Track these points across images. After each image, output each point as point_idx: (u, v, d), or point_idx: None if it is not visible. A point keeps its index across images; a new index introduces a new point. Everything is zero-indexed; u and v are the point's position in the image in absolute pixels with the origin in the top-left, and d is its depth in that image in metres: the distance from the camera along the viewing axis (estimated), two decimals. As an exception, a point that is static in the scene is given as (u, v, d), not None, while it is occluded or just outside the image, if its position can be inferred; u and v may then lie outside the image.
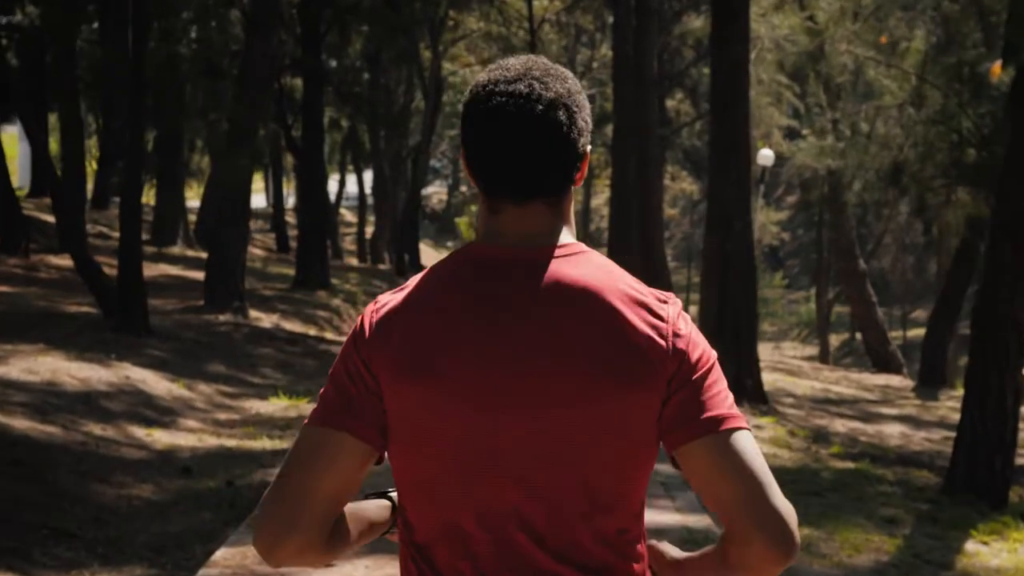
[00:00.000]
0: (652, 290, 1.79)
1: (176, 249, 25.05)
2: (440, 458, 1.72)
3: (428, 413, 1.71)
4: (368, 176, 41.60)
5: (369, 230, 41.73)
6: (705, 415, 1.71)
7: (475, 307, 1.72)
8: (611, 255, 33.04)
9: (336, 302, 20.54)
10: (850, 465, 10.45)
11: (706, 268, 14.61)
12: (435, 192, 66.11)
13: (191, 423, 10.08)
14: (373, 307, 1.80)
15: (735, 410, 1.74)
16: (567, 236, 1.80)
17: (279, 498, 1.72)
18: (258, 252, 31.04)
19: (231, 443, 9.34)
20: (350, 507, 1.83)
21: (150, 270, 20.40)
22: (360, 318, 1.81)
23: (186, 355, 12.88)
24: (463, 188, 60.12)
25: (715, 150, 14.55)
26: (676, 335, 1.74)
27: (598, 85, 46.77)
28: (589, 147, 1.82)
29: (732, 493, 1.68)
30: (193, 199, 34.13)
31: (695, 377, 1.73)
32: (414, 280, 1.80)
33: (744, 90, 14.72)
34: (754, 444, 1.72)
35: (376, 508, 1.92)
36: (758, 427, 12.10)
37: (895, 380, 21.66)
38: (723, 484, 1.69)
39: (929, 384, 18.92)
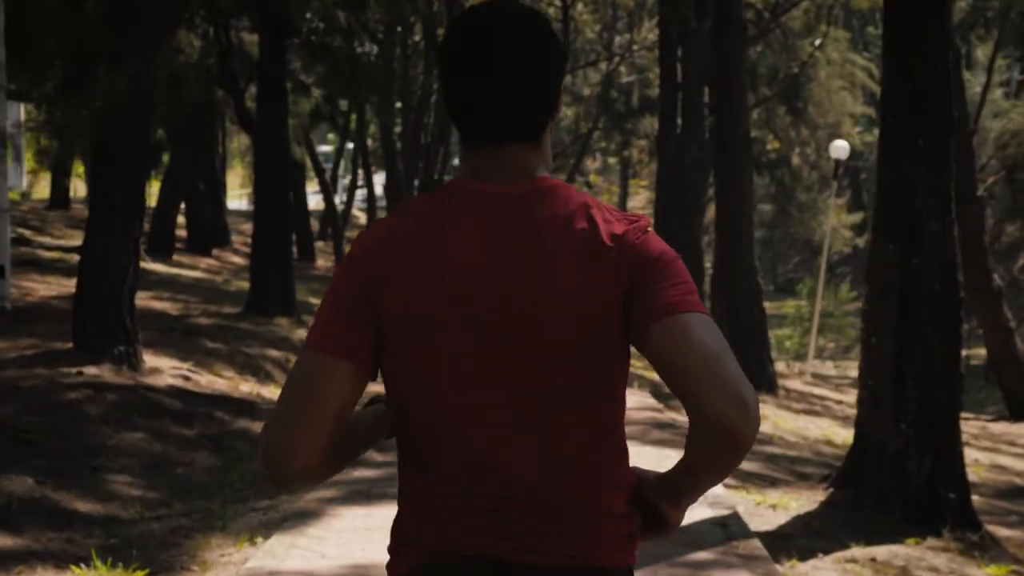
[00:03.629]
0: (624, 212, 1.86)
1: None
2: (429, 376, 1.80)
3: (420, 334, 1.78)
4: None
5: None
6: (663, 301, 1.75)
7: (458, 238, 1.79)
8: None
9: (301, 335, 14.44)
10: None
11: (874, 299, 8.40)
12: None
13: None
14: (364, 237, 1.86)
15: (696, 300, 1.76)
16: (542, 171, 1.87)
17: (282, 419, 1.78)
18: (238, 261, 25.08)
19: None
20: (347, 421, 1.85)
21: (49, 287, 14.40)
22: (353, 244, 1.85)
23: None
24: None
25: (894, 101, 8.31)
26: (636, 243, 1.80)
27: (638, 71, 40.68)
28: (561, 88, 1.88)
29: (690, 368, 1.68)
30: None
31: (653, 272, 1.78)
32: (399, 212, 1.85)
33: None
34: (712, 324, 1.74)
35: (371, 418, 1.97)
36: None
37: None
38: (680, 361, 1.70)
39: None
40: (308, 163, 34.70)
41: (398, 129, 37.68)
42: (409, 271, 1.78)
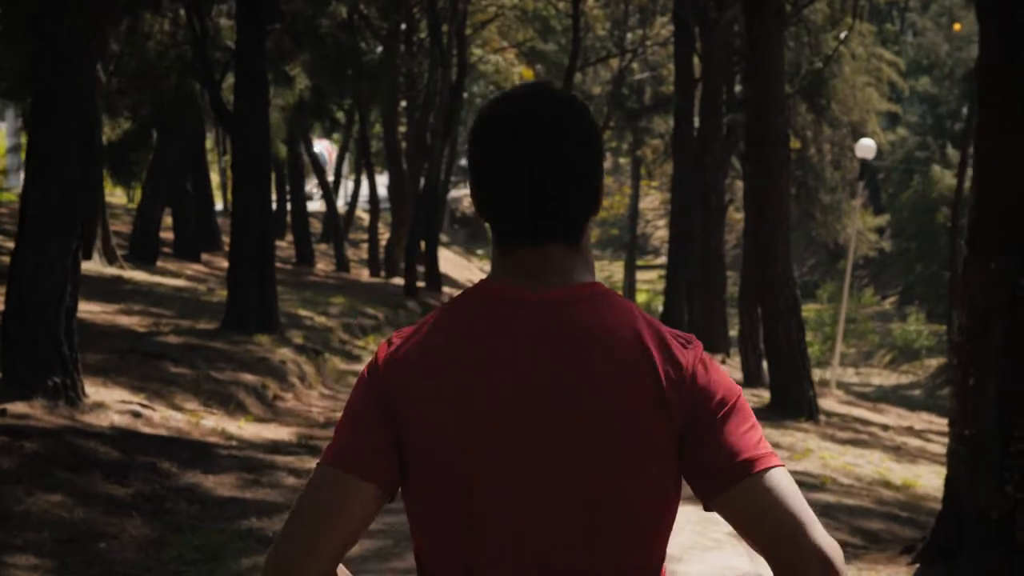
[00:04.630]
0: (673, 331, 1.66)
1: (88, 265, 17.34)
2: (460, 495, 1.62)
3: (450, 453, 1.61)
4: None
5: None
6: (737, 459, 1.57)
7: (493, 352, 1.61)
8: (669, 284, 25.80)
9: (283, 355, 12.74)
10: None
11: (971, 331, 6.69)
12: (466, 195, 58.50)
13: None
14: (388, 347, 1.68)
15: (767, 447, 1.60)
16: (585, 275, 1.68)
17: (290, 536, 1.61)
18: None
19: None
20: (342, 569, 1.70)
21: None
22: (374, 358, 1.69)
23: None
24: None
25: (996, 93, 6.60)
26: (695, 375, 1.61)
27: (650, 68, 38.89)
28: (602, 182, 1.69)
29: (774, 532, 1.54)
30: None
31: (719, 417, 1.60)
32: (427, 321, 1.68)
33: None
34: (791, 481, 1.58)
35: None
36: None
37: None
38: (764, 525, 1.55)
39: None
40: (307, 164, 33.05)
41: (403, 129, 36.14)
42: (440, 392, 1.61)
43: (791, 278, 12.98)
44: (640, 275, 44.34)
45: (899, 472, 11.28)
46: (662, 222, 56.75)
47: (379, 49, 31.01)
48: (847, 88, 28.98)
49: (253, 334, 13.02)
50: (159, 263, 20.63)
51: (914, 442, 13.87)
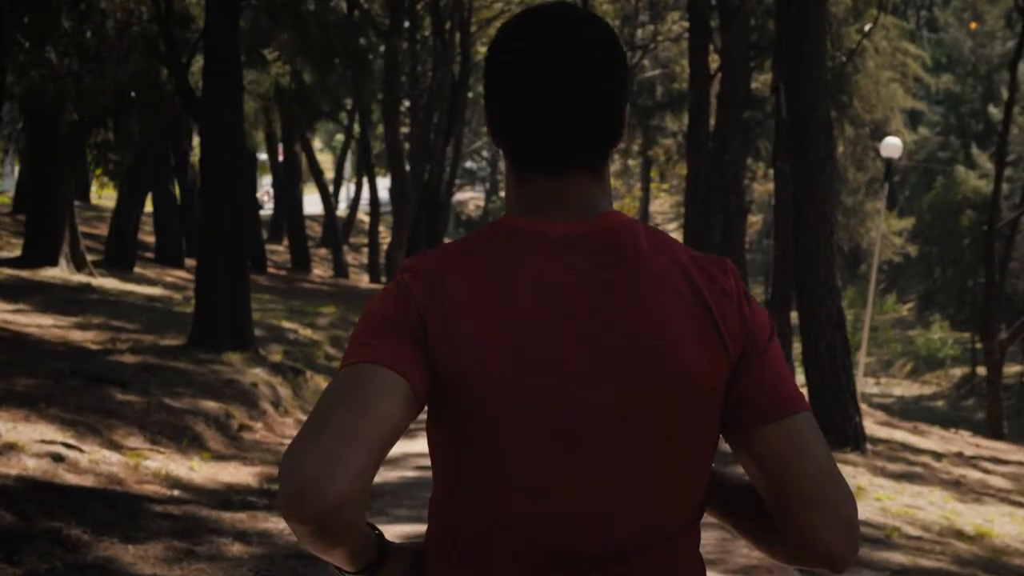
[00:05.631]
0: (708, 256, 1.57)
1: (54, 272, 15.72)
2: (491, 434, 1.45)
3: (494, 393, 1.44)
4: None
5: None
6: (778, 397, 1.51)
7: (535, 279, 1.46)
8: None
9: (255, 376, 11.06)
10: None
11: None
12: (471, 197, 56.87)
13: None
14: (411, 263, 1.51)
15: (798, 390, 1.55)
16: (607, 206, 1.54)
17: (318, 438, 1.34)
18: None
19: None
20: None
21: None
22: (400, 270, 1.51)
23: None
24: (502, 192, 50.84)
25: None
26: (741, 305, 1.53)
27: (661, 65, 37.22)
28: (628, 108, 1.56)
29: (801, 487, 1.49)
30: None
31: (762, 350, 1.52)
32: (452, 248, 1.50)
33: None
34: (818, 430, 1.54)
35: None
36: None
37: None
38: (789, 475, 1.49)
39: None
40: (305, 163, 31.44)
41: (406, 129, 34.67)
42: (480, 319, 1.44)
43: (835, 287, 11.30)
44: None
45: (968, 516, 9.60)
46: (672, 225, 55.08)
47: (381, 48, 29.57)
48: (870, 84, 27.29)
49: (223, 352, 11.36)
50: (137, 269, 19.02)
51: (972, 474, 12.17)
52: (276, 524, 6.70)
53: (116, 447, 7.98)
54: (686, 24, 32.88)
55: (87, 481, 7.07)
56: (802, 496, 1.48)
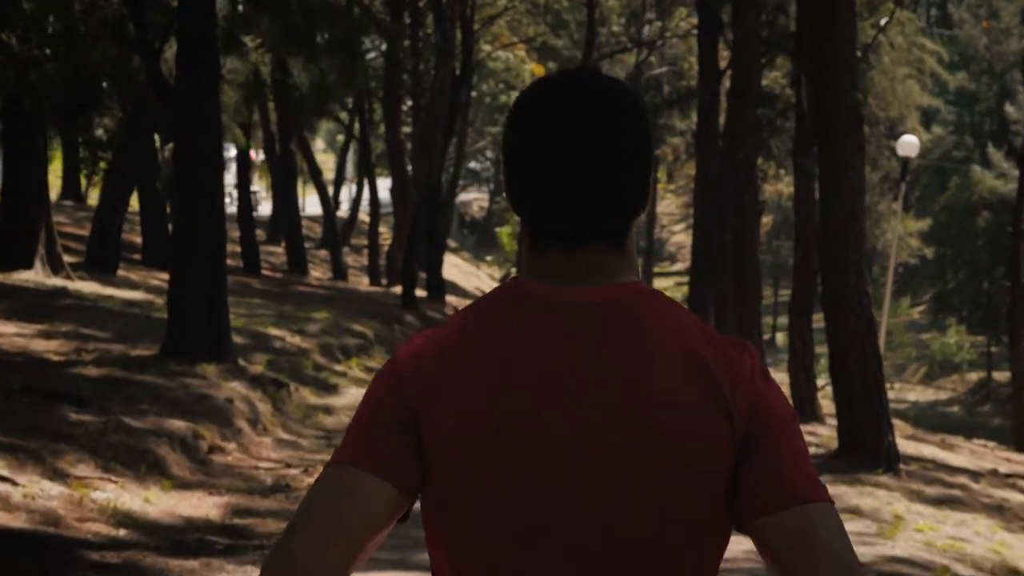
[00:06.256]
0: (726, 337, 1.47)
1: (28, 275, 14.73)
2: (505, 524, 1.40)
3: (490, 475, 1.39)
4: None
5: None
6: (789, 483, 1.38)
7: (535, 360, 1.41)
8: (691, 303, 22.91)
9: (231, 390, 10.05)
10: None
11: None
12: (475, 199, 55.85)
13: None
14: (411, 346, 1.47)
15: (817, 481, 1.42)
16: (628, 277, 1.48)
17: (296, 549, 1.35)
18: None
19: None
20: None
21: None
22: (395, 357, 1.47)
23: None
24: (506, 194, 49.83)
25: None
26: (753, 384, 1.42)
27: (668, 63, 36.21)
28: (651, 179, 1.49)
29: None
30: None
31: (775, 434, 1.41)
32: (453, 323, 1.46)
33: None
34: (839, 521, 1.39)
35: None
36: None
37: None
38: (802, 567, 1.36)
39: None
40: (303, 164, 30.46)
41: (408, 130, 33.75)
42: (470, 400, 1.40)
43: (865, 293, 10.27)
44: (655, 282, 41.68)
45: (1019, 549, 8.59)
46: (678, 227, 54.06)
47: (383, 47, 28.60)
48: (886, 81, 26.24)
49: (198, 363, 10.36)
50: (121, 272, 18.00)
51: (1014, 497, 11.13)
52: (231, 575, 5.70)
53: (61, 477, 6.99)
54: (694, 21, 31.91)
55: (17, 520, 6.07)
56: None
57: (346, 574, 1.35)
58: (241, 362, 11.13)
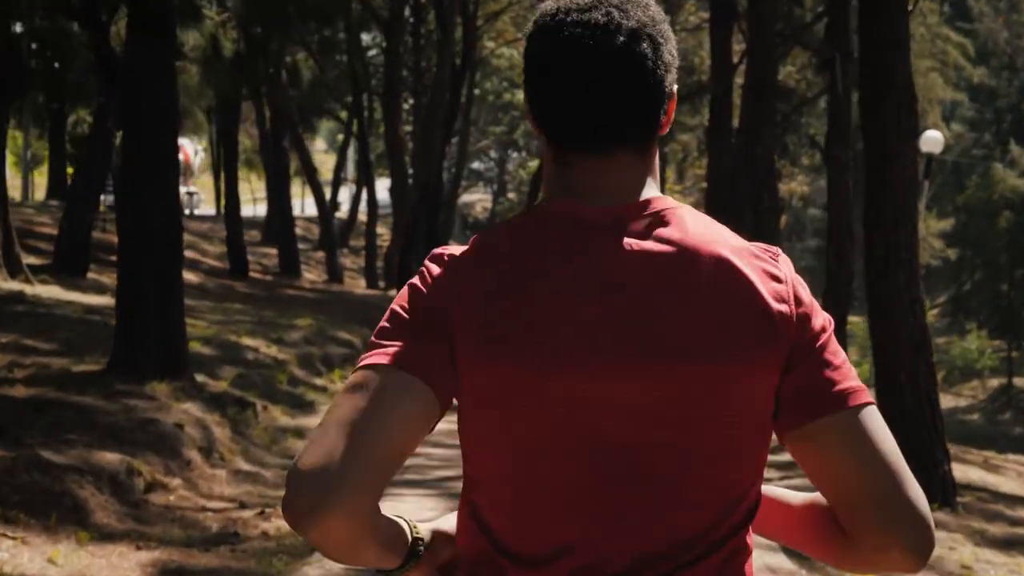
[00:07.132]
0: (757, 244, 1.45)
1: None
2: (543, 424, 1.35)
3: (523, 393, 1.34)
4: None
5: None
6: (832, 389, 1.39)
7: (571, 278, 1.36)
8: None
9: (184, 412, 8.58)
10: None
11: None
12: (479, 199, 54.42)
13: None
14: (439, 258, 1.41)
15: (860, 382, 1.43)
16: (654, 190, 1.45)
17: (327, 448, 1.26)
18: (186, 277, 19.22)
19: None
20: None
21: None
22: (426, 268, 1.41)
23: None
24: (510, 194, 48.38)
25: None
26: (797, 297, 1.41)
27: (679, 58, 34.77)
28: (675, 87, 1.46)
29: (864, 484, 1.37)
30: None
31: (818, 345, 1.41)
32: (480, 242, 1.40)
33: None
34: (883, 423, 1.41)
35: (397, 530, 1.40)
36: None
37: None
38: (852, 472, 1.37)
39: None
40: (297, 162, 29.08)
41: (409, 128, 32.44)
42: (508, 327, 1.34)
43: (918, 299, 8.82)
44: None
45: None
46: (686, 228, 52.74)
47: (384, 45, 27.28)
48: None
49: (147, 380, 8.91)
50: (92, 275, 16.58)
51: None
52: None
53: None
54: (704, 15, 30.46)
55: None
56: (869, 497, 1.36)
57: (384, 479, 1.29)
58: (200, 378, 9.68)
